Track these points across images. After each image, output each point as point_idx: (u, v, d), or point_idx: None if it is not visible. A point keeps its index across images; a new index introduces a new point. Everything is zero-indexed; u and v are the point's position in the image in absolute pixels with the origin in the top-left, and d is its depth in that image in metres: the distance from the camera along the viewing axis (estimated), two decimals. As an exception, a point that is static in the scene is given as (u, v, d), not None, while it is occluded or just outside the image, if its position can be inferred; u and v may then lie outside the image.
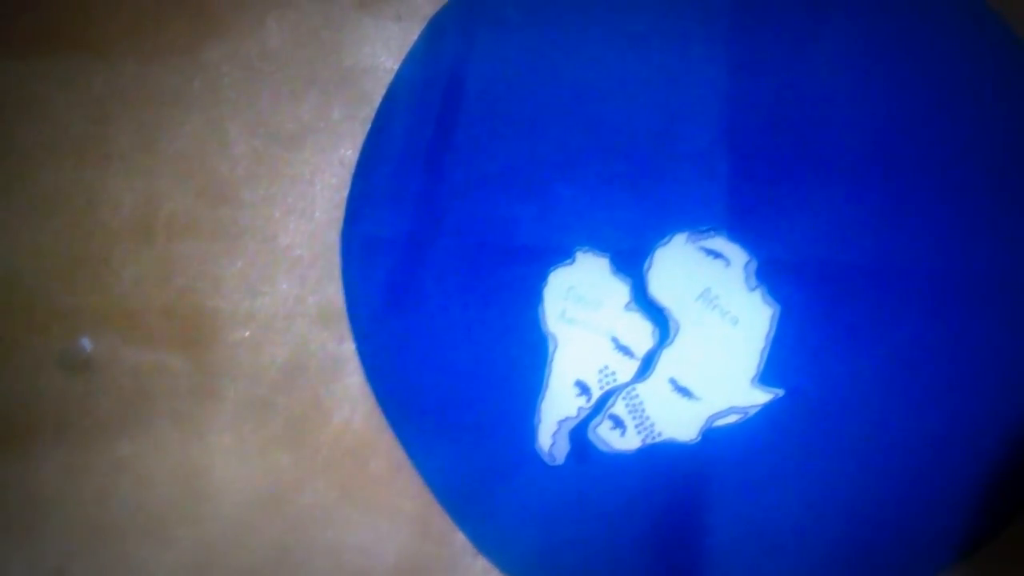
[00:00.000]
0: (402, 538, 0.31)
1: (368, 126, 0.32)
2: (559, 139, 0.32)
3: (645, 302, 0.31)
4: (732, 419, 0.31)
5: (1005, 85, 0.31)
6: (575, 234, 0.31)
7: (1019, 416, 0.30)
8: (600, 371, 0.31)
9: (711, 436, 0.31)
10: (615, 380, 0.31)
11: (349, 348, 0.32)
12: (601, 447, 0.31)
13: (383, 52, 0.33)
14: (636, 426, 0.31)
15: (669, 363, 0.31)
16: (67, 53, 0.32)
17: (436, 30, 0.32)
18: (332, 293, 0.32)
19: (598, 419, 0.31)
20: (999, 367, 0.30)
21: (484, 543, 0.31)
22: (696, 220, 0.31)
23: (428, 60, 0.32)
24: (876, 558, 0.30)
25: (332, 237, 0.32)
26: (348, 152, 0.32)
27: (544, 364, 0.31)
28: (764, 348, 0.31)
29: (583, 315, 0.31)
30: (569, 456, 0.31)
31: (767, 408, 0.31)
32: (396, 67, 0.32)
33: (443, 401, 0.31)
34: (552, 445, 0.31)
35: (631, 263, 0.31)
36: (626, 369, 0.31)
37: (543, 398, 0.31)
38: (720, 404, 0.31)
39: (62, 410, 0.32)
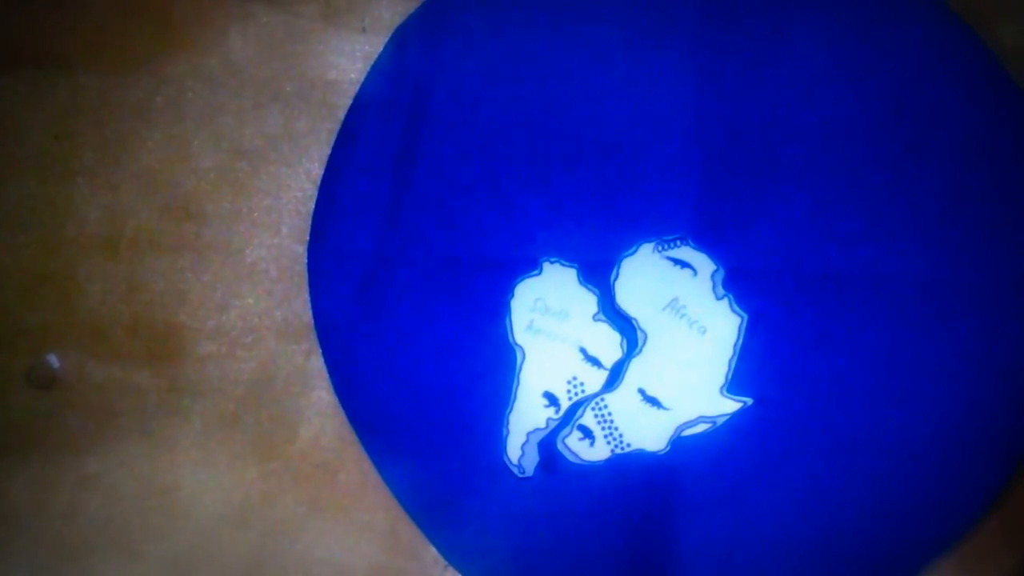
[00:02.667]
0: (372, 551, 0.31)
1: (334, 139, 0.32)
2: (525, 150, 0.32)
3: (613, 312, 0.31)
4: (701, 428, 0.31)
5: (971, 92, 0.31)
6: (542, 245, 0.31)
7: (986, 420, 0.30)
8: (568, 382, 0.31)
9: (680, 445, 0.31)
10: (583, 391, 0.31)
11: (317, 362, 0.32)
12: (570, 458, 0.31)
13: (348, 64, 0.32)
14: (605, 436, 0.31)
15: (637, 373, 0.31)
16: (29, 69, 0.32)
17: (400, 41, 0.32)
18: (299, 307, 0.32)
19: (567, 430, 0.31)
20: (966, 372, 0.30)
21: (454, 555, 0.31)
22: (662, 230, 0.31)
23: (393, 72, 0.32)
24: (845, 565, 0.30)
25: (299, 251, 0.32)
26: (314, 165, 0.32)
27: (512, 376, 0.31)
28: (732, 357, 0.31)
29: (551, 326, 0.31)
30: (538, 467, 0.31)
31: (735, 417, 0.31)
32: (361, 79, 0.32)
33: (411, 414, 0.31)
34: (521, 456, 0.31)
35: (598, 273, 0.31)
36: (594, 380, 0.31)
37: (511, 410, 0.31)
38: (689, 413, 0.31)
39: (30, 427, 0.32)
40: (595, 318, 0.31)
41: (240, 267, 0.32)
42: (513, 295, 0.31)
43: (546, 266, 0.31)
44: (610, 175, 0.32)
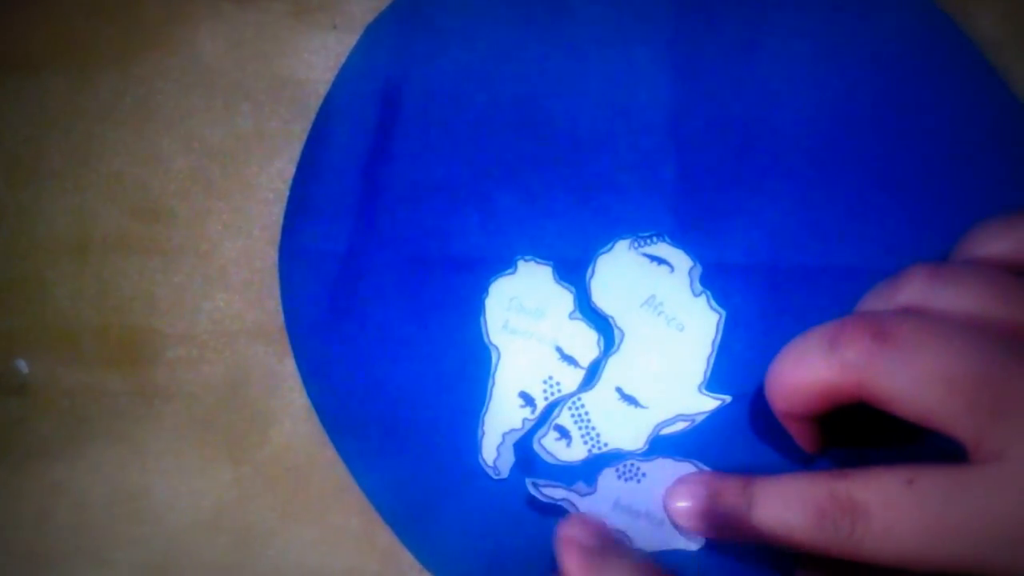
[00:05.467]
0: (346, 556, 0.31)
1: (305, 138, 0.32)
2: (498, 148, 0.31)
3: (589, 310, 0.31)
4: (680, 427, 0.30)
5: (952, 85, 0.31)
6: (516, 243, 0.31)
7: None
8: (544, 381, 0.31)
9: (658, 444, 0.30)
10: (560, 390, 0.31)
11: (289, 365, 0.31)
12: (547, 458, 0.30)
13: (319, 62, 0.32)
14: (582, 436, 0.30)
15: (615, 372, 0.30)
16: (-6, 71, 0.32)
17: (372, 39, 0.32)
18: (271, 309, 0.31)
19: (543, 430, 0.30)
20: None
21: (429, 559, 0.30)
22: (639, 226, 0.31)
23: (365, 70, 0.32)
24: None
25: (270, 252, 0.31)
26: (286, 165, 0.32)
27: (487, 376, 0.31)
28: (711, 354, 0.30)
29: (526, 325, 0.31)
30: (514, 469, 0.30)
31: (714, 415, 0.30)
32: (333, 77, 0.32)
33: (385, 416, 0.31)
34: (496, 458, 0.30)
35: (574, 271, 0.31)
36: (571, 379, 0.31)
37: (486, 410, 0.30)
38: (667, 412, 0.30)
39: (-2, 433, 0.31)
40: (571, 316, 0.31)
41: (211, 269, 0.31)
42: (487, 294, 0.31)
43: (521, 264, 0.31)
44: (585, 171, 0.31)
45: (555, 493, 0.30)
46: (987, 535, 0.22)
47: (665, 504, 0.29)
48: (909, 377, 0.23)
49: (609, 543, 0.28)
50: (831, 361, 0.24)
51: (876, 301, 0.26)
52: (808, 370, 0.25)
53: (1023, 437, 0.22)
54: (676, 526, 0.29)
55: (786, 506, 0.25)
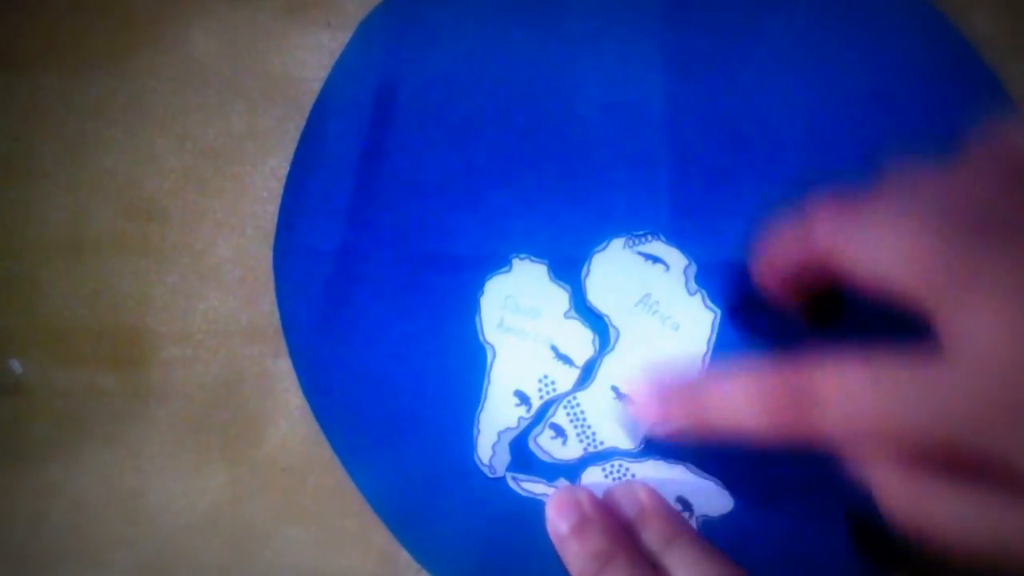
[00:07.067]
0: (343, 555, 0.30)
1: (299, 136, 0.31)
2: (493, 146, 0.31)
3: (584, 309, 0.31)
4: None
5: (946, 81, 0.31)
6: (512, 241, 0.31)
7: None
8: (540, 380, 0.31)
9: (653, 443, 0.30)
10: (555, 389, 0.31)
11: (285, 364, 0.31)
12: (542, 457, 0.30)
13: (313, 60, 0.32)
14: (577, 435, 0.30)
15: (610, 370, 0.30)
16: (-15, 69, 0.32)
17: (365, 36, 0.32)
18: (266, 308, 0.31)
19: (538, 429, 0.30)
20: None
21: (426, 558, 0.30)
22: (633, 224, 0.31)
23: (358, 67, 0.32)
24: (823, 560, 0.30)
25: (264, 251, 0.31)
26: (280, 163, 0.32)
27: (482, 375, 0.31)
28: (706, 353, 0.30)
29: (521, 324, 0.31)
30: (509, 467, 0.30)
31: (710, 413, 0.30)
32: (326, 75, 0.32)
33: (381, 415, 0.31)
34: (492, 457, 0.30)
35: (569, 270, 0.31)
36: (566, 378, 0.31)
37: (482, 409, 0.30)
38: (663, 411, 0.30)
39: (-8, 434, 0.31)
40: (566, 315, 0.31)
41: (205, 268, 0.31)
42: (483, 292, 0.31)
43: (516, 262, 0.31)
44: (580, 170, 0.31)
45: (535, 488, 0.30)
46: (946, 418, 0.22)
47: (630, 400, 0.30)
48: (875, 245, 0.23)
49: (594, 510, 0.29)
50: (802, 234, 0.25)
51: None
52: (786, 245, 0.26)
53: (984, 315, 0.22)
54: (626, 422, 0.30)
55: (743, 399, 0.25)
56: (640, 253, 0.31)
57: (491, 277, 0.31)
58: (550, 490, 0.30)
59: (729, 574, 0.27)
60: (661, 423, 0.29)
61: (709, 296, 0.30)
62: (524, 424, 0.30)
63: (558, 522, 0.29)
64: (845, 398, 0.23)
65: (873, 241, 0.23)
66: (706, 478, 0.30)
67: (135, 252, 0.31)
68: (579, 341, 0.31)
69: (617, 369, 0.30)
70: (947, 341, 0.22)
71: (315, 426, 0.31)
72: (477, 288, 0.31)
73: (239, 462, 0.31)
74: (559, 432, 0.30)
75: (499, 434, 0.30)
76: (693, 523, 0.30)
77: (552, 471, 0.30)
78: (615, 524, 0.29)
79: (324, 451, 0.31)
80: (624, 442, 0.30)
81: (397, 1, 0.32)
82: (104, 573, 0.31)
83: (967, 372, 0.22)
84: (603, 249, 0.31)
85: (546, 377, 0.31)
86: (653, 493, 0.29)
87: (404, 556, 0.31)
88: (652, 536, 0.28)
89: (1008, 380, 0.21)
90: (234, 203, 0.31)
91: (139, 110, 0.32)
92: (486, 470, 0.30)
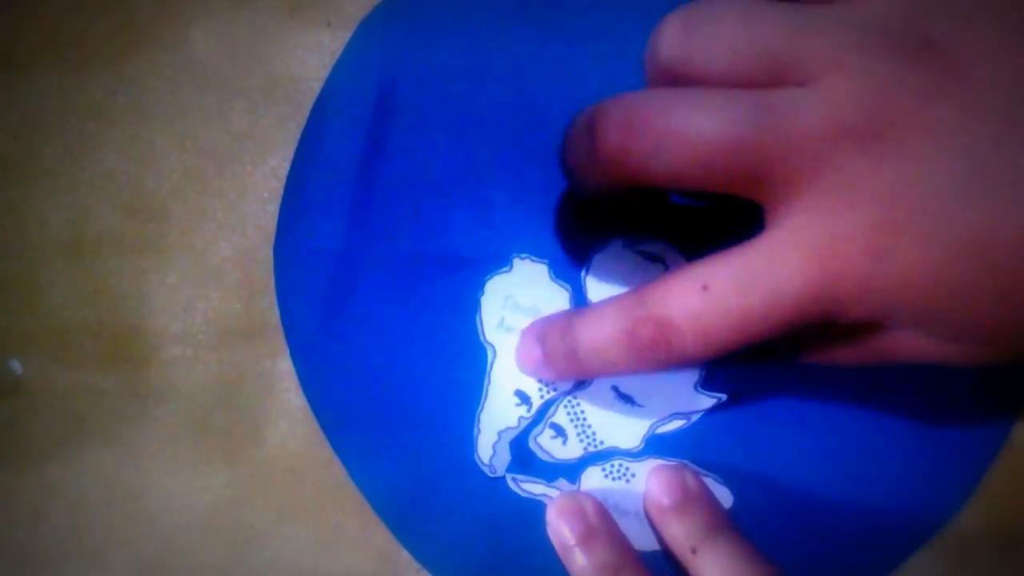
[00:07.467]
0: (343, 555, 0.30)
1: (299, 136, 0.31)
2: (494, 144, 0.31)
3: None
4: (675, 425, 0.30)
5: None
6: (512, 241, 0.31)
7: (965, 407, 0.30)
8: (540, 380, 0.31)
9: (654, 443, 0.30)
10: (555, 389, 0.30)
11: (285, 364, 0.31)
12: (543, 456, 0.30)
13: (313, 59, 0.32)
14: (578, 435, 0.30)
15: (611, 370, 0.30)
16: (-15, 69, 0.32)
17: (365, 35, 0.32)
18: (266, 308, 0.31)
19: (538, 428, 0.30)
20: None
21: (426, 558, 0.30)
22: (633, 224, 0.31)
23: (358, 66, 0.32)
24: (824, 561, 0.30)
25: (265, 251, 0.31)
26: (280, 163, 0.31)
27: (483, 374, 0.31)
28: (706, 352, 0.30)
29: (522, 323, 0.30)
30: (510, 467, 0.30)
31: (710, 413, 0.30)
32: (327, 74, 0.32)
33: (381, 414, 0.31)
34: (492, 456, 0.30)
35: (569, 269, 0.31)
36: (567, 377, 0.31)
37: (482, 408, 0.30)
38: (663, 411, 0.30)
39: (-8, 434, 0.31)
40: (567, 315, 0.31)
41: (205, 268, 0.31)
42: (483, 292, 0.31)
43: (516, 262, 0.31)
44: (580, 169, 0.31)
45: (534, 488, 0.30)
46: (786, 307, 0.23)
47: (516, 357, 0.30)
48: (669, 162, 0.23)
49: (600, 520, 0.29)
50: (594, 157, 0.24)
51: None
52: (576, 162, 0.25)
53: (790, 201, 0.23)
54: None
55: (605, 346, 0.26)
56: (640, 252, 0.31)
57: (491, 277, 0.31)
58: (549, 490, 0.30)
59: (767, 574, 0.27)
60: (542, 372, 0.29)
61: (709, 295, 0.30)
62: (524, 424, 0.30)
63: (562, 531, 0.29)
64: (695, 324, 0.24)
65: (666, 158, 0.23)
66: (706, 475, 0.30)
67: (135, 252, 0.31)
68: (579, 340, 0.30)
69: (617, 368, 0.30)
70: (768, 226, 0.24)
71: (315, 426, 0.31)
72: (477, 288, 0.31)
73: (239, 462, 0.31)
74: (559, 432, 0.30)
75: (499, 433, 0.30)
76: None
77: (552, 471, 0.30)
78: (619, 534, 0.29)
79: (324, 451, 0.31)
80: (624, 441, 0.30)
81: (397, 1, 0.32)
82: (104, 573, 0.31)
83: (789, 262, 0.23)
84: (603, 248, 0.31)
85: (546, 377, 0.31)
86: (700, 481, 0.30)
87: (404, 556, 0.30)
88: (693, 524, 0.28)
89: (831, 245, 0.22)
90: (234, 203, 0.31)
91: (139, 110, 0.32)
92: (486, 470, 0.30)
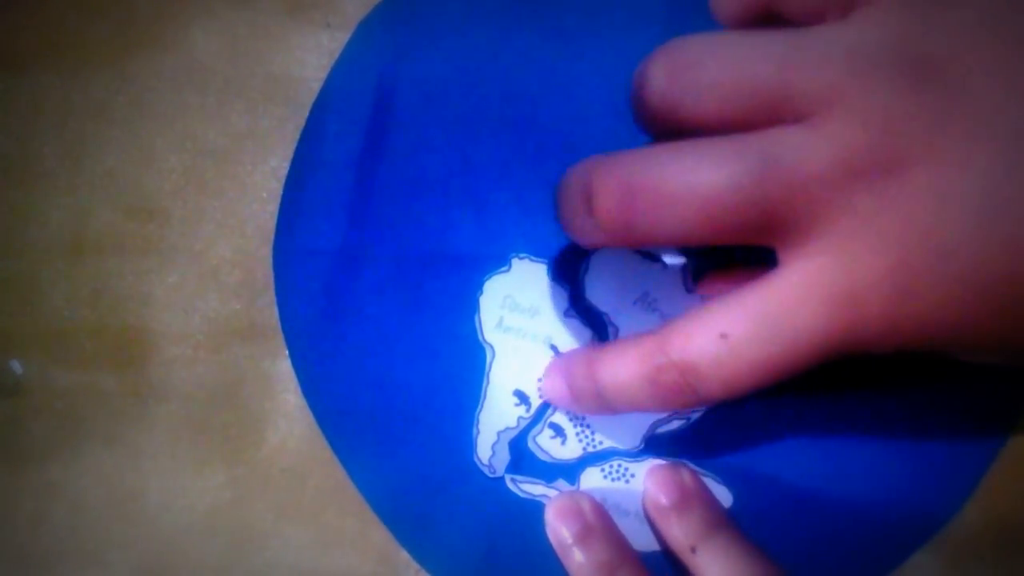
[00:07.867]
0: (343, 556, 0.30)
1: (299, 136, 0.31)
2: (492, 145, 0.31)
3: (583, 308, 0.31)
4: (675, 424, 0.30)
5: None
6: (510, 241, 0.31)
7: (966, 405, 0.30)
8: (539, 379, 0.31)
9: (653, 443, 0.30)
10: (555, 389, 0.30)
11: (284, 364, 0.31)
12: (542, 456, 0.30)
13: (313, 60, 0.32)
14: (577, 435, 0.30)
15: (610, 369, 0.30)
16: (-14, 70, 0.32)
17: (364, 36, 0.32)
18: (266, 308, 0.31)
19: (537, 428, 0.30)
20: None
21: (426, 559, 0.30)
22: (633, 223, 0.31)
23: (357, 66, 0.32)
24: (824, 561, 0.30)
25: (264, 251, 0.31)
26: (279, 163, 0.32)
27: (482, 374, 0.31)
28: (706, 351, 0.30)
29: (520, 323, 0.31)
30: (509, 467, 0.30)
31: (709, 413, 0.30)
32: (326, 75, 0.32)
33: (381, 415, 0.31)
34: (491, 456, 0.30)
35: (568, 269, 0.31)
36: (566, 377, 0.31)
37: (481, 409, 0.30)
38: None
39: (-8, 434, 0.31)
40: (566, 314, 0.31)
41: (205, 268, 0.31)
42: (482, 292, 0.31)
43: (515, 262, 0.31)
44: (579, 169, 0.31)
45: (534, 489, 0.30)
46: (810, 352, 0.23)
47: (543, 392, 0.30)
48: (675, 227, 0.23)
49: (598, 519, 0.29)
50: (594, 223, 0.24)
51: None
52: (572, 223, 0.25)
53: (804, 244, 0.23)
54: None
55: (629, 389, 0.25)
56: (638, 252, 0.31)
57: (490, 277, 0.31)
58: (549, 491, 0.30)
59: (769, 574, 0.27)
60: (572, 408, 0.29)
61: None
62: (523, 424, 0.30)
63: (560, 530, 0.29)
64: (717, 371, 0.24)
65: (665, 222, 0.23)
66: (706, 475, 0.30)
67: (135, 252, 0.31)
68: (578, 340, 0.30)
69: (617, 368, 0.30)
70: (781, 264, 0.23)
71: (315, 426, 0.31)
72: (476, 288, 0.31)
73: (239, 462, 0.31)
74: (558, 432, 0.30)
75: (499, 434, 0.30)
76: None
77: (551, 471, 0.30)
78: (617, 533, 0.29)
79: (324, 451, 0.31)
80: (623, 441, 0.30)
81: (396, 2, 0.32)
82: (104, 573, 0.31)
83: (794, 301, 0.23)
84: (602, 248, 0.31)
85: (546, 376, 0.31)
86: (697, 478, 0.29)
87: (403, 556, 0.30)
88: (692, 523, 0.28)
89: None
90: (234, 203, 0.31)
91: (139, 110, 0.32)
92: (486, 470, 0.30)
